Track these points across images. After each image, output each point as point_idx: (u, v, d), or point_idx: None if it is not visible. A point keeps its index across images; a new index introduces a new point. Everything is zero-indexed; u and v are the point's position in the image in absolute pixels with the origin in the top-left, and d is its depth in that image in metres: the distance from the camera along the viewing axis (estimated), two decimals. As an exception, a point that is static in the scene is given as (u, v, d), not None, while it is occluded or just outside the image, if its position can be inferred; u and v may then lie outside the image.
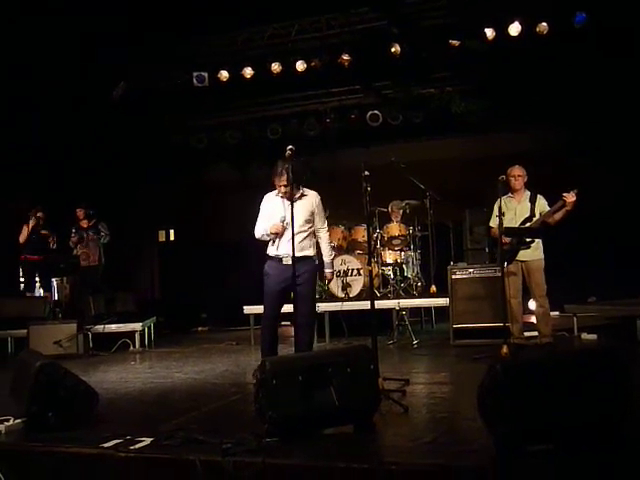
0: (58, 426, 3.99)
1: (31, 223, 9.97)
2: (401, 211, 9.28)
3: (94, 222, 10.20)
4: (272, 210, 5.52)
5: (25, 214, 10.14)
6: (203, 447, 3.48)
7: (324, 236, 5.71)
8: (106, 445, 3.60)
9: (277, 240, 5.45)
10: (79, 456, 3.59)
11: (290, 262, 5.16)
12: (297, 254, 5.17)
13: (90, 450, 3.60)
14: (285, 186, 5.35)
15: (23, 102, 9.90)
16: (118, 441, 3.65)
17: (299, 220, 5.33)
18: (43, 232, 9.99)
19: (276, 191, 5.50)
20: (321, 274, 6.12)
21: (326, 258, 5.78)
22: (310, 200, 5.54)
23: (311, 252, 5.53)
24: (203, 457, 3.32)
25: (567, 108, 9.44)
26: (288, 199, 5.33)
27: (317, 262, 5.64)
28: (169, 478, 3.39)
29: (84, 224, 10.22)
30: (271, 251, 5.50)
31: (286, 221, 5.30)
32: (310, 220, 5.51)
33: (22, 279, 10.69)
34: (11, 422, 4.09)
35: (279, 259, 5.42)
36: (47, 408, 4.04)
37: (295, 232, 5.17)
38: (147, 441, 3.65)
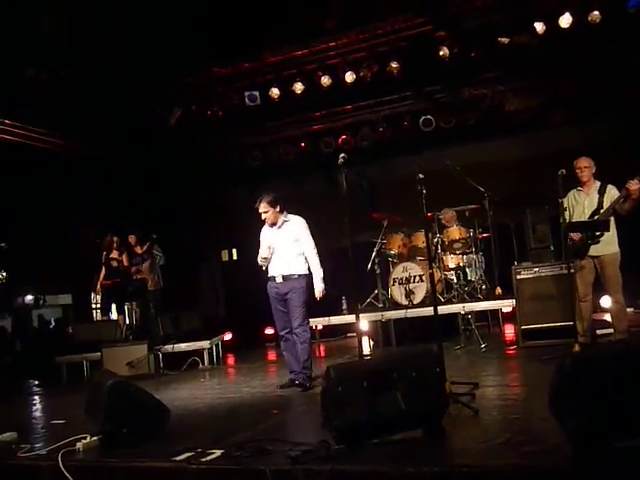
0: (132, 442, 4.09)
1: (104, 249, 10.30)
2: (454, 217, 9.13)
3: (148, 246, 10.38)
4: (265, 240, 6.21)
5: (95, 240, 10.51)
6: (273, 457, 3.50)
7: (311, 257, 6.17)
8: (178, 458, 3.67)
9: (270, 262, 6.17)
10: (152, 469, 3.67)
11: (281, 280, 6.09)
12: (286, 273, 6.05)
13: (163, 463, 3.67)
14: (265, 212, 6.11)
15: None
16: (190, 454, 3.72)
17: (285, 244, 6.11)
18: (112, 256, 10.28)
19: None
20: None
21: (315, 277, 6.16)
22: (293, 225, 6.21)
23: (299, 271, 6.12)
24: (273, 467, 3.34)
25: (624, 99, 9.11)
26: (271, 225, 6.18)
27: (306, 279, 6.12)
28: (240, 489, 3.42)
29: (138, 250, 10.45)
30: (268, 273, 6.22)
31: (271, 246, 6.11)
32: (295, 242, 6.13)
33: (99, 305, 11.03)
34: (88, 440, 4.21)
35: (273, 279, 6.15)
36: (121, 425, 4.16)
37: (282, 254, 6.06)
38: (218, 453, 3.70)
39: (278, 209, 6.19)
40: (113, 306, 10.49)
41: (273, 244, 6.15)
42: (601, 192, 6.45)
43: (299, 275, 6.12)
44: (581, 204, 6.55)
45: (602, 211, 6.38)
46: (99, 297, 10.74)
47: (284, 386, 6.17)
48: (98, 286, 10.40)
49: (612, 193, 6.41)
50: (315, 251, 6.20)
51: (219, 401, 5.98)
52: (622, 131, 9.63)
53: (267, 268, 6.28)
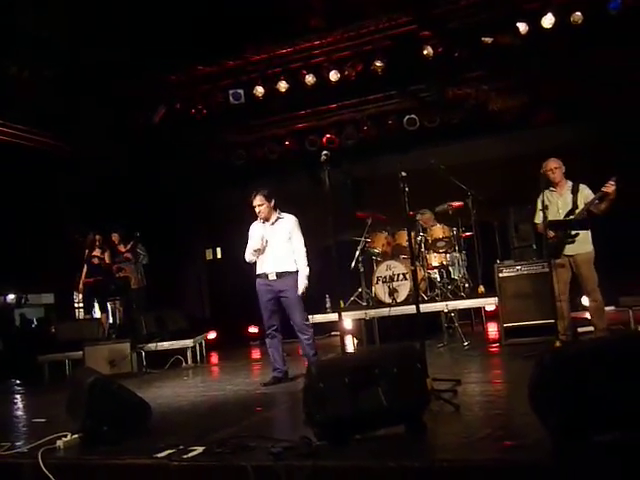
0: (113, 439, 4.06)
1: (87, 248, 10.22)
2: (432, 217, 9.15)
3: (131, 245, 10.31)
4: (255, 235, 6.21)
5: (77, 239, 10.42)
6: (254, 453, 3.49)
7: (300, 255, 6.24)
8: (159, 455, 3.65)
9: (260, 259, 6.17)
10: (133, 467, 3.64)
11: (274, 277, 6.12)
12: (280, 270, 6.10)
13: (144, 461, 3.65)
14: (260, 206, 6.11)
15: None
16: (171, 451, 3.70)
17: (278, 241, 6.16)
18: (93, 254, 10.20)
19: (258, 219, 6.25)
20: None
21: (300, 273, 6.21)
22: (286, 223, 6.26)
23: (293, 268, 6.19)
24: (255, 463, 3.33)
25: (603, 102, 9.19)
26: (264, 219, 6.18)
27: (297, 276, 6.19)
28: (222, 485, 3.40)
29: (121, 249, 10.39)
30: (257, 270, 6.24)
31: (265, 238, 6.10)
32: (289, 240, 6.20)
33: (81, 303, 10.94)
34: (68, 437, 4.17)
35: (265, 276, 6.17)
36: (102, 422, 4.12)
37: (276, 251, 6.10)
38: (199, 450, 3.68)
39: (272, 204, 6.21)
40: (96, 304, 10.42)
41: (266, 239, 6.17)
42: (574, 192, 6.52)
43: (292, 272, 6.19)
44: (555, 204, 6.60)
45: (577, 211, 6.43)
46: (81, 296, 10.66)
47: (268, 384, 6.17)
48: (80, 285, 10.32)
49: (586, 193, 6.48)
50: (304, 250, 6.27)
51: (202, 399, 5.96)
52: (602, 133, 9.71)
53: (257, 265, 6.26)
